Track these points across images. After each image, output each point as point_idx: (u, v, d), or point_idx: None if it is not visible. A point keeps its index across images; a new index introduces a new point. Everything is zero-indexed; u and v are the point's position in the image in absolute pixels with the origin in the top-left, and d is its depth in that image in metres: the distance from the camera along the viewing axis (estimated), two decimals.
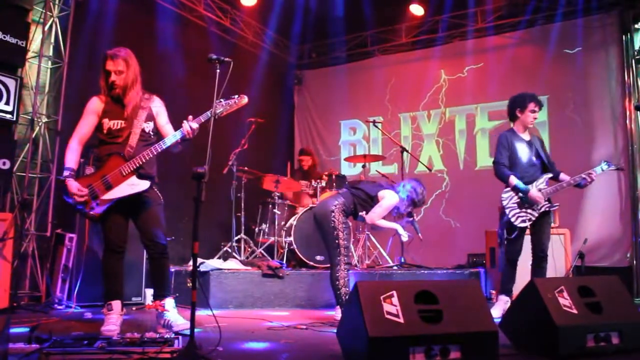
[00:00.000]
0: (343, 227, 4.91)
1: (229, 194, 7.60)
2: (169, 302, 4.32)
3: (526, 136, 5.36)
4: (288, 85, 10.89)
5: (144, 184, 4.18)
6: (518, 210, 5.12)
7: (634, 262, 7.56)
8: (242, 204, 7.57)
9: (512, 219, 5.11)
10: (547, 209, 5.14)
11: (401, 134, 9.83)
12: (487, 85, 9.13)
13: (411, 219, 5.32)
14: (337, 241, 4.87)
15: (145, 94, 4.36)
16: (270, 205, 7.46)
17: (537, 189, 5.13)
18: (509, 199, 5.19)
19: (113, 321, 4.13)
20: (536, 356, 3.36)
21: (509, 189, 5.21)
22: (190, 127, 4.06)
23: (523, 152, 5.26)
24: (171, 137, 4.16)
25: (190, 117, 4.10)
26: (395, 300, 3.06)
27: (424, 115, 9.73)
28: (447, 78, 9.60)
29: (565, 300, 3.38)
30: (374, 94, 10.11)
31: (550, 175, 5.26)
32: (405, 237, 5.17)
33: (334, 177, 7.55)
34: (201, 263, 6.22)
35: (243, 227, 7.50)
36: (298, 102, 11.01)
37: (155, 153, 4.17)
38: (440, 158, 9.53)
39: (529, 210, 5.12)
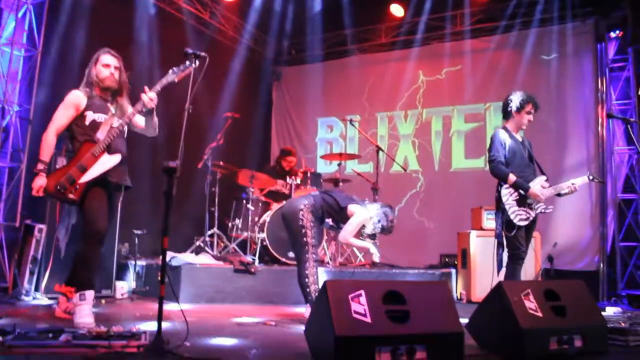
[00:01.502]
0: (311, 225, 4.94)
1: (203, 189, 7.56)
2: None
3: (519, 136, 5.29)
4: (266, 81, 10.86)
5: (115, 159, 4.28)
6: (517, 208, 5.01)
7: (602, 266, 7.69)
8: (216, 199, 7.54)
9: (512, 216, 4.99)
10: (542, 211, 5.09)
11: (378, 133, 9.87)
12: (464, 88, 9.20)
13: (373, 241, 5.33)
14: (305, 239, 4.89)
15: None
16: (244, 201, 7.44)
17: (536, 188, 5.04)
18: (509, 196, 5.05)
19: (87, 312, 4.10)
20: (501, 357, 3.41)
21: (507, 185, 5.07)
22: (149, 97, 4.21)
23: (519, 152, 5.17)
24: (132, 109, 4.32)
25: (146, 87, 4.24)
26: (363, 299, 3.08)
27: (401, 116, 9.77)
28: (425, 79, 9.66)
29: (531, 304, 3.43)
30: (352, 92, 10.13)
31: (545, 177, 5.16)
32: (377, 257, 5.18)
33: (309, 174, 7.55)
34: (172, 257, 6.19)
35: (216, 222, 7.47)
36: (276, 98, 10.99)
37: (122, 128, 4.31)
38: (415, 158, 9.58)
39: (527, 209, 5.03)
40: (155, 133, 4.58)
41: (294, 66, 10.86)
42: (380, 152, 7.73)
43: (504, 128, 5.27)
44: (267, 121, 10.89)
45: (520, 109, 5.20)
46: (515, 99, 5.23)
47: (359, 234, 5.17)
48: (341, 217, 5.12)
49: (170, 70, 4.19)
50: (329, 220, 5.16)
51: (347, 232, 5.05)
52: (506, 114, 5.30)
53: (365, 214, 5.06)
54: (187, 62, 4.09)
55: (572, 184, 5.12)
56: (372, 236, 5.18)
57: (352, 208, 5.07)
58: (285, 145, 9.90)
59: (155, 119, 4.45)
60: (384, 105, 9.91)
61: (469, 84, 9.13)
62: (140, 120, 4.50)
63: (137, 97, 4.34)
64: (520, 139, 5.29)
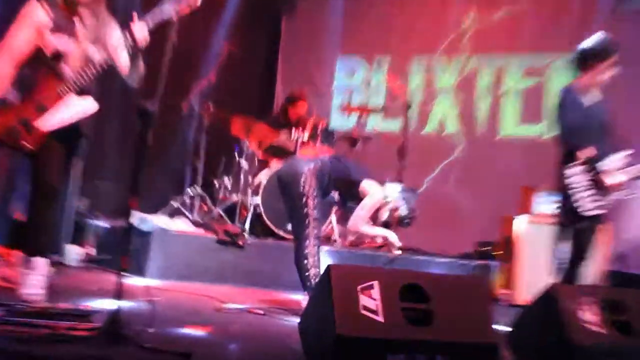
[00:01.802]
0: (314, 194, 4.85)
1: (186, 137, 7.50)
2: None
3: (595, 96, 5.01)
4: (274, 9, 10.66)
5: (87, 103, 4.10)
6: (588, 193, 4.73)
7: None
8: (202, 151, 7.47)
9: (579, 203, 4.73)
10: (621, 197, 4.84)
11: (411, 82, 9.69)
12: (524, 35, 8.97)
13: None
14: (305, 210, 4.81)
15: None
16: (236, 155, 7.37)
17: (615, 167, 4.80)
18: (578, 176, 4.78)
19: (37, 283, 4.04)
20: None
21: (575, 163, 4.81)
22: (143, 36, 3.96)
23: (593, 118, 4.90)
24: (119, 48, 4.06)
25: (135, 14, 3.98)
26: (375, 292, 3.02)
27: (441, 62, 9.57)
28: (476, 20, 9.42)
29: (588, 315, 3.36)
30: (383, 27, 9.87)
31: (628, 152, 4.88)
32: (397, 248, 5.09)
33: (320, 129, 7.43)
34: (142, 220, 6.15)
35: (200, 180, 7.41)
36: (285, 32, 10.78)
37: (98, 69, 4.04)
38: (455, 119, 9.42)
39: (601, 195, 4.75)
40: (136, 83, 4.28)
41: None
42: (411, 109, 7.60)
43: (575, 86, 5.02)
44: (273, 60, 10.73)
45: (597, 61, 4.90)
46: (592, 48, 4.96)
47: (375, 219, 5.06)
48: (351, 193, 5.04)
49: (167, 2, 3.90)
50: (335, 195, 5.10)
51: (358, 218, 4.97)
52: (579, 68, 5.02)
53: (380, 196, 4.95)
54: None
55: None
56: (386, 224, 5.06)
57: (366, 185, 4.96)
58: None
59: (142, 66, 4.18)
60: (422, 47, 9.66)
61: (531, 30, 8.90)
62: (125, 61, 4.14)
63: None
64: (596, 101, 5.02)
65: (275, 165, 7.12)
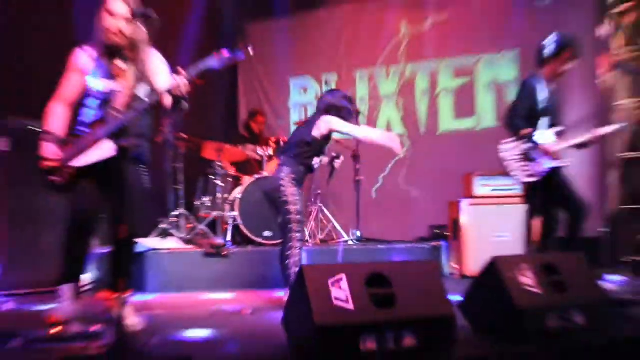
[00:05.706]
0: (295, 199, 4.94)
1: (163, 165, 7.51)
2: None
3: (551, 85, 5.36)
4: (229, 40, 10.59)
5: (107, 149, 3.82)
6: (521, 164, 5.23)
7: (604, 231, 7.72)
8: (182, 176, 7.53)
9: (514, 173, 5.27)
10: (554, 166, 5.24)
11: (357, 93, 9.81)
12: (452, 39, 9.15)
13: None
14: (288, 216, 4.90)
15: None
16: (211, 177, 7.45)
17: (550, 140, 5.22)
18: (509, 151, 5.29)
19: (64, 308, 3.87)
20: (496, 339, 3.48)
21: (508, 140, 5.30)
22: (178, 81, 3.68)
23: (548, 103, 5.28)
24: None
25: (180, 69, 3.76)
26: (344, 284, 3.13)
27: (382, 72, 9.73)
28: (408, 31, 9.58)
29: (527, 279, 3.51)
30: (327, 47, 10.01)
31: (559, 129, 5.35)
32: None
33: (282, 144, 7.55)
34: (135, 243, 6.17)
35: (183, 202, 7.46)
36: (242, 61, 10.77)
37: (129, 114, 3.77)
38: (400, 121, 9.58)
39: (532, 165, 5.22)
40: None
41: (261, 22, 10.68)
42: (361, 115, 7.75)
43: (537, 76, 5.31)
44: (234, 87, 10.80)
45: (560, 52, 5.19)
46: (559, 41, 5.21)
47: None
48: (321, 145, 5.10)
49: (213, 57, 3.79)
50: (316, 162, 5.14)
51: (360, 131, 5.06)
52: (540, 62, 5.31)
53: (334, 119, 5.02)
54: (240, 52, 3.83)
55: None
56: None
57: (320, 128, 5.01)
58: None
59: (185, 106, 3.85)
60: (363, 61, 9.82)
61: (457, 34, 9.05)
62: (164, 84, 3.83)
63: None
64: (551, 90, 5.33)
65: (247, 180, 7.23)
